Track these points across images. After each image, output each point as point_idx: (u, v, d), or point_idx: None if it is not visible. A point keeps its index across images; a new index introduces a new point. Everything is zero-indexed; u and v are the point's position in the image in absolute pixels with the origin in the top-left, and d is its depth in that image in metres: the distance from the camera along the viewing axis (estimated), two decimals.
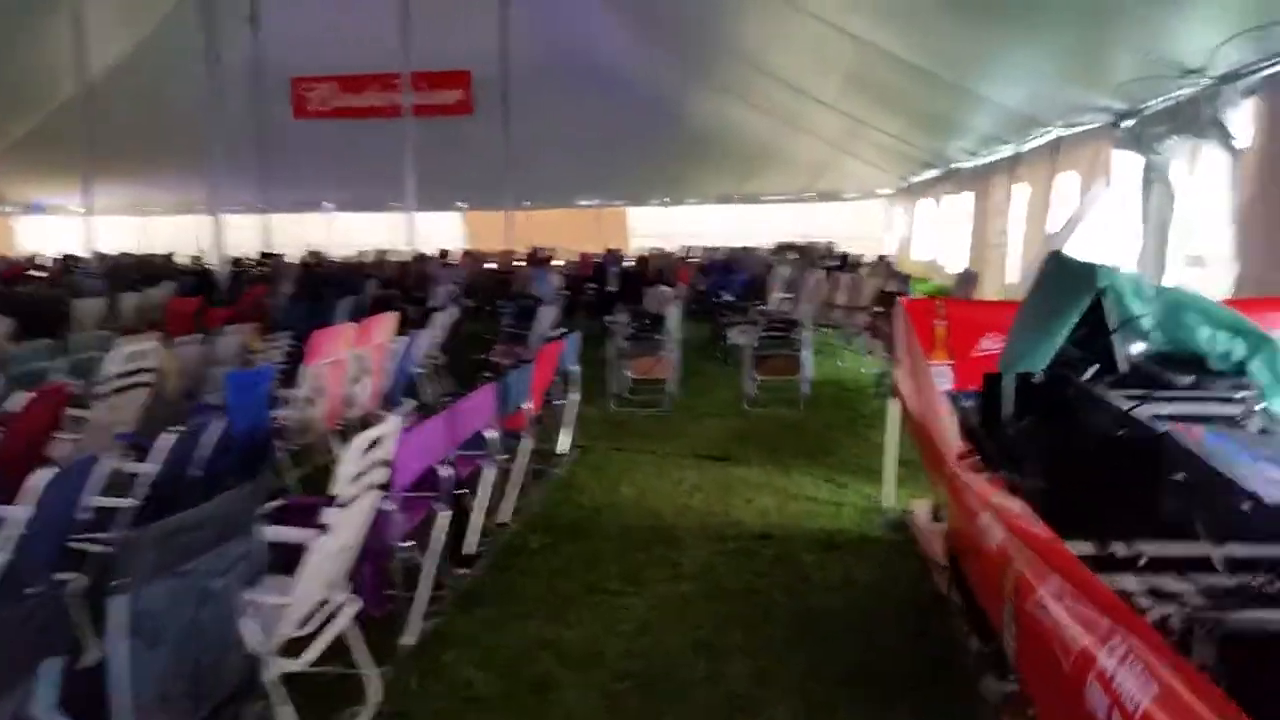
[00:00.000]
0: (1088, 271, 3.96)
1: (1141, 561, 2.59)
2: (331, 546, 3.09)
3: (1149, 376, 3.75)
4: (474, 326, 13.42)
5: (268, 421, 5.42)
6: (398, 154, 24.87)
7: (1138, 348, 3.93)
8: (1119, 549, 2.67)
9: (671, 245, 27.43)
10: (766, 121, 25.22)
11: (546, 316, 9.28)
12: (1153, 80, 10.98)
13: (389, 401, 7.14)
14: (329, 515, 3.01)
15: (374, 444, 3.28)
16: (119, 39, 24.17)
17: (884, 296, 11.40)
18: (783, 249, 24.01)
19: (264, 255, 24.43)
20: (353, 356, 6.32)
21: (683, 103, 26.18)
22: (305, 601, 3.05)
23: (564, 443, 7.17)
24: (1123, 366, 3.81)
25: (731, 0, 18.78)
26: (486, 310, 14.06)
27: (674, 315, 9.37)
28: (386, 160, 24.72)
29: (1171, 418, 3.31)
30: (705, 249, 25.15)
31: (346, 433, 6.59)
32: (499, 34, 23.04)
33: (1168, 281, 11.59)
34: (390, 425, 3.45)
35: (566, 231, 29.41)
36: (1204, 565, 2.55)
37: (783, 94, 21.92)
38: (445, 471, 4.40)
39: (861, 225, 30.05)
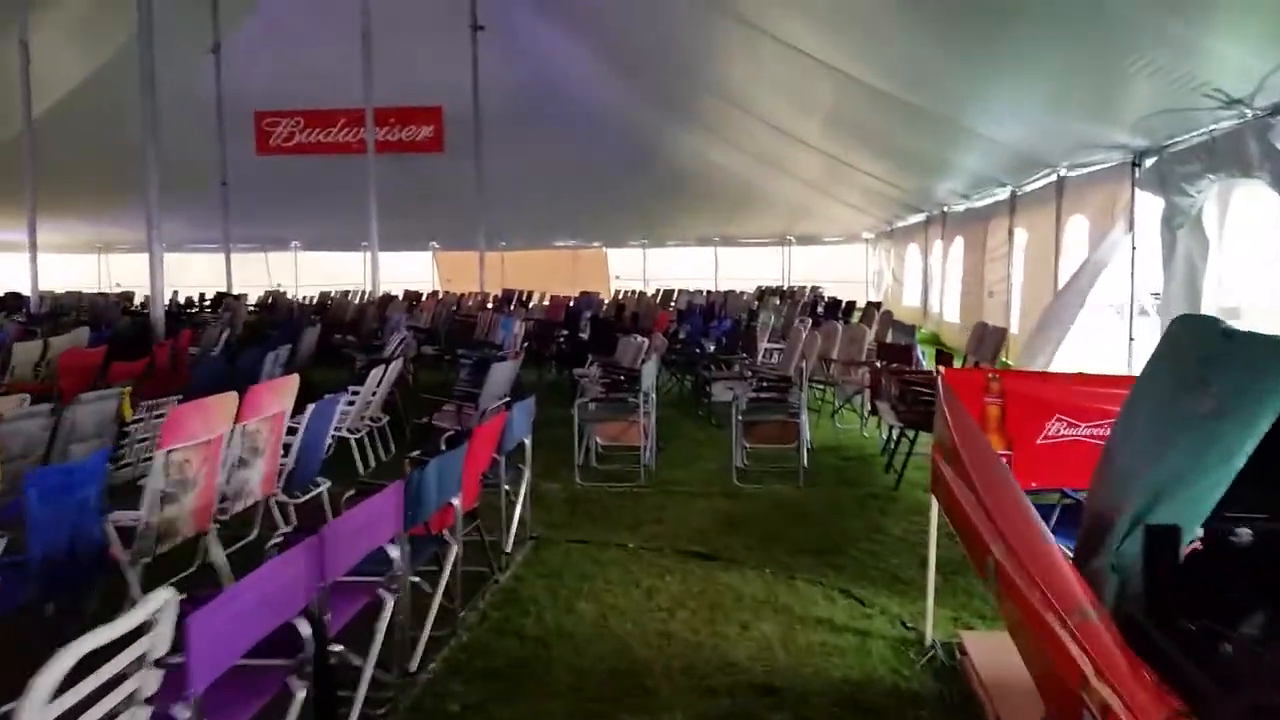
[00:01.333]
0: None
1: None
2: None
3: None
4: (435, 377, 12.01)
5: (96, 532, 3.92)
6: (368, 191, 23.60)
7: None
8: None
9: (651, 288, 26.19)
10: (747, 162, 23.99)
11: (501, 375, 7.80)
12: (1181, 113, 9.73)
13: (293, 485, 5.64)
14: None
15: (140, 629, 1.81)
16: (72, 67, 22.69)
17: (886, 349, 10.00)
18: (766, 294, 22.68)
19: (219, 295, 22.84)
20: (237, 433, 4.82)
21: (661, 142, 24.91)
22: None
23: (512, 537, 5.68)
24: None
25: (712, 36, 17.56)
26: (447, 359, 12.58)
27: (650, 370, 7.92)
28: (358, 197, 23.37)
29: None
30: (686, 292, 23.82)
31: (235, 527, 5.09)
32: (471, 69, 21.72)
33: None
34: (151, 606, 1.96)
35: (543, 273, 28.06)
36: None
37: (763, 134, 20.67)
38: (304, 629, 2.91)
39: (843, 269, 28.87)
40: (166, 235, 27.50)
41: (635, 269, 30.17)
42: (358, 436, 7.88)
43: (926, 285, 20.96)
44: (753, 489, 7.34)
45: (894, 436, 8.01)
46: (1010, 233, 15.30)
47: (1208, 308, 10.14)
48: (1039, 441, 4.33)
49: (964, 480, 3.71)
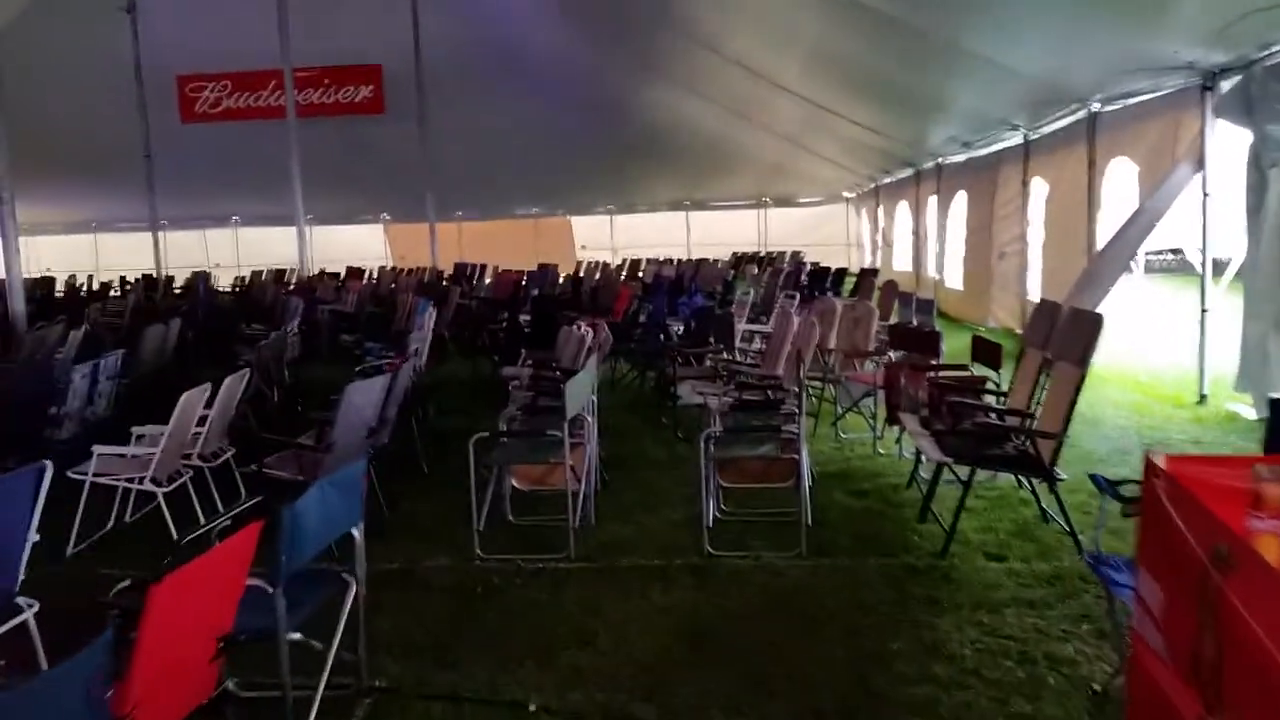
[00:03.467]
0: None
1: None
2: None
3: None
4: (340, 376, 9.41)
5: None
6: (311, 160, 20.83)
7: None
8: None
9: (621, 258, 23.60)
10: (719, 115, 21.33)
11: (363, 399, 5.23)
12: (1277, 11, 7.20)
13: None
14: None
15: None
16: None
17: (901, 335, 7.47)
18: (742, 262, 20.11)
19: (147, 279, 20.10)
20: None
21: (627, 98, 22.10)
22: None
23: (319, 697, 3.16)
24: None
25: None
26: (357, 355, 9.99)
27: (581, 386, 5.37)
28: (307, 168, 20.65)
29: None
30: (655, 263, 21.25)
31: None
32: (412, 23, 18.92)
33: None
34: None
35: (504, 245, 25.38)
36: None
37: (738, 80, 18.02)
38: None
39: (825, 232, 26.34)
40: (96, 213, 24.56)
41: (604, 238, 27.54)
42: (167, 490, 5.34)
43: (919, 248, 18.43)
44: (733, 561, 4.82)
45: (926, 462, 5.54)
46: (1025, 184, 12.79)
47: None
48: None
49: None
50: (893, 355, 7.47)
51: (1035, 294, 12.42)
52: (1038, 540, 4.95)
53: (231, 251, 26.73)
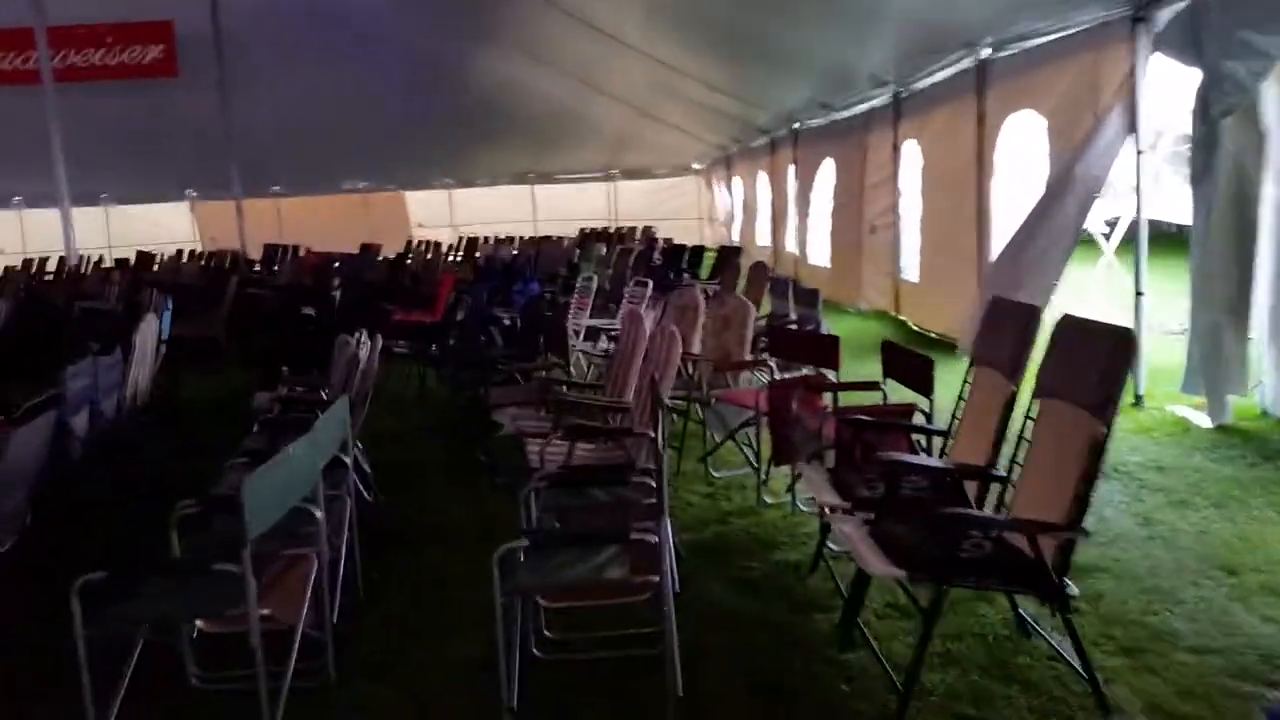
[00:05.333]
0: None
1: None
2: None
3: None
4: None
5: None
6: (103, 131, 17.61)
7: None
8: None
9: (460, 236, 21.09)
10: (565, 83, 19.06)
11: None
12: None
13: None
14: None
15: None
16: None
17: (788, 338, 5.52)
18: (589, 238, 17.97)
19: None
20: None
21: (464, 63, 19.47)
22: None
23: None
24: None
25: None
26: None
27: (327, 436, 3.20)
28: (100, 140, 17.40)
29: None
30: (500, 242, 18.96)
31: None
32: None
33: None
34: None
35: (332, 224, 22.47)
36: None
37: (582, 41, 15.83)
38: None
39: (676, 206, 24.49)
40: None
41: (443, 215, 24.92)
42: None
43: (777, 222, 16.72)
44: None
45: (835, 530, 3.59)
46: (896, 148, 11.13)
47: (1266, 241, 6.17)
48: None
49: None
50: (774, 364, 5.51)
51: (912, 273, 10.81)
52: (1032, 685, 3.07)
53: (15, 237, 22.88)
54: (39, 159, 17.60)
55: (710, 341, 6.05)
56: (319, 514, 3.30)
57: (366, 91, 19.69)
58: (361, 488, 4.74)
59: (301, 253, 16.21)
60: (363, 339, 5.14)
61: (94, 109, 17.18)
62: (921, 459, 3.71)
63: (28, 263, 17.55)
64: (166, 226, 23.45)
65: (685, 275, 11.05)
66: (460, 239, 19.88)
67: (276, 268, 14.72)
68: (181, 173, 22.14)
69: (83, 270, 14.30)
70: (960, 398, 3.86)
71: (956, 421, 3.84)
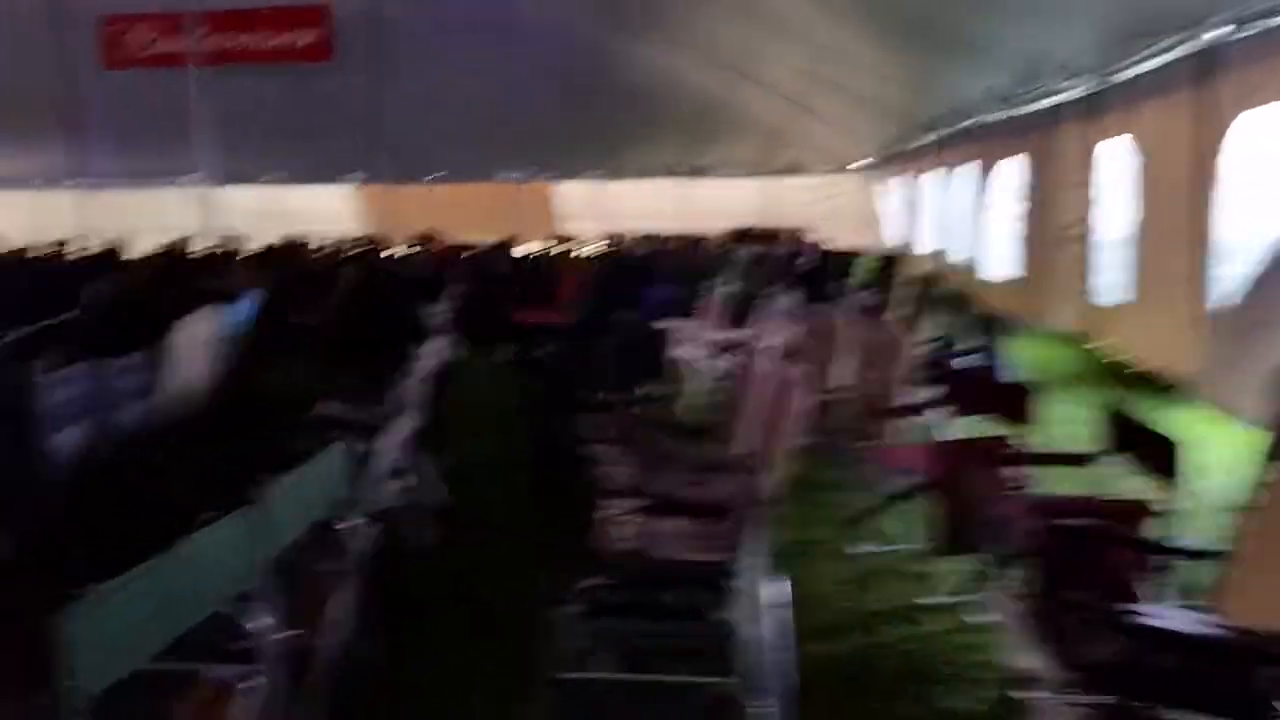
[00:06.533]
0: None
1: None
2: None
3: None
4: None
5: None
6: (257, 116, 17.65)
7: None
8: None
9: (607, 231, 20.18)
10: (716, 74, 17.98)
11: None
12: None
13: None
14: None
15: None
16: None
17: (962, 381, 4.20)
18: (740, 238, 16.68)
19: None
20: None
21: (617, 50, 18.69)
22: None
23: None
24: None
25: None
26: None
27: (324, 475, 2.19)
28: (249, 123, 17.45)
29: None
30: (638, 237, 17.97)
31: None
32: None
33: None
34: None
35: (481, 214, 22.00)
36: None
37: (735, 27, 14.70)
38: None
39: (830, 207, 22.87)
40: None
41: (591, 207, 24.04)
42: None
43: (944, 230, 15.04)
44: None
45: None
46: (1090, 149, 9.49)
47: None
48: None
49: None
50: (940, 417, 4.18)
51: (1108, 294, 9.16)
52: None
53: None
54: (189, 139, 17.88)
55: (857, 373, 4.77)
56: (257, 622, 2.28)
57: (519, 79, 19.13)
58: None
59: (436, 244, 15.60)
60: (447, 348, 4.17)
61: (246, 91, 17.23)
62: (1184, 621, 2.36)
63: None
64: (320, 212, 23.45)
65: (835, 285, 9.70)
66: (602, 235, 18.98)
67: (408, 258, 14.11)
68: (335, 159, 22.09)
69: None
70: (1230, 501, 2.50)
71: (1234, 542, 2.49)
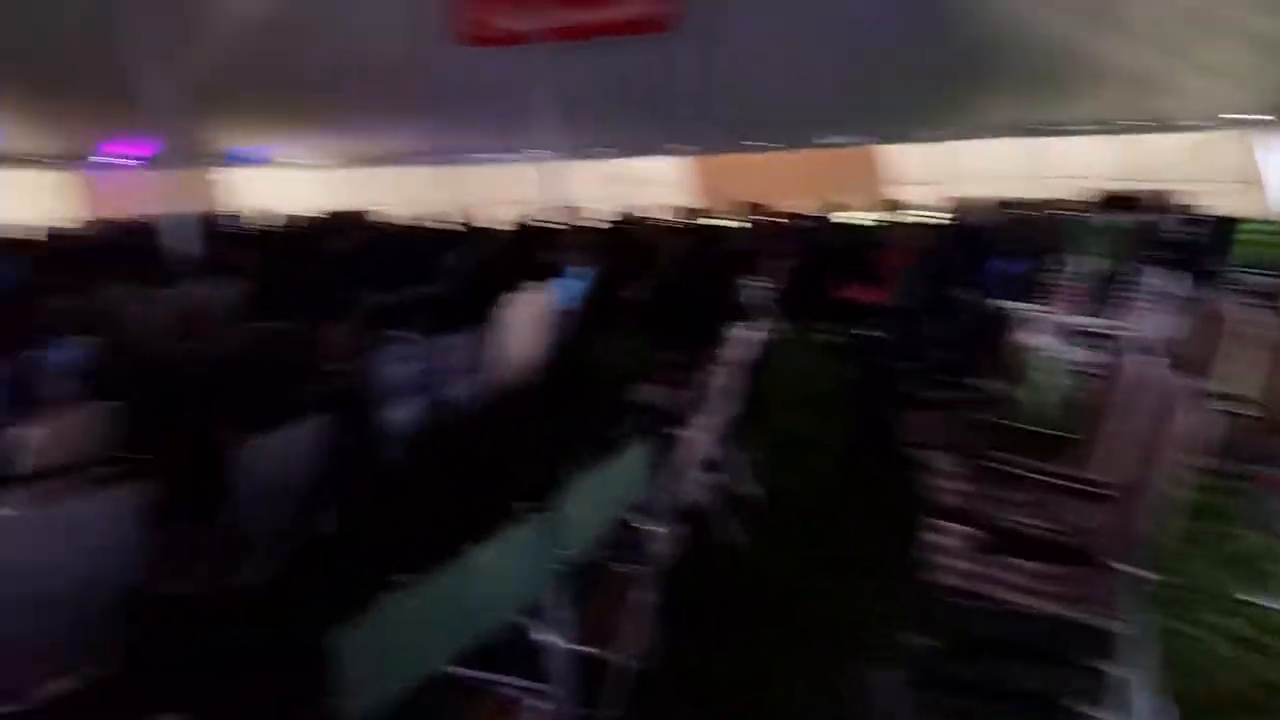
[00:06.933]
0: None
1: None
2: None
3: None
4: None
5: None
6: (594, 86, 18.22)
7: None
8: None
9: (940, 196, 18.94)
10: (1068, 16, 16.21)
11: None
12: None
13: None
14: None
15: None
16: None
17: None
18: (1103, 204, 14.86)
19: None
20: None
21: None
22: None
23: None
24: None
25: None
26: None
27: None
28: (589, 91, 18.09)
29: None
30: (983, 204, 16.66)
31: None
32: None
33: None
34: None
35: (800, 179, 21.51)
36: None
37: None
38: None
39: (1206, 166, 20.00)
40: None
41: (925, 171, 22.71)
42: None
43: None
44: None
45: None
46: None
47: None
48: None
49: None
50: None
51: None
52: None
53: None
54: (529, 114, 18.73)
55: (1258, 380, 3.88)
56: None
57: (852, 33, 18.38)
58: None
59: (762, 214, 15.34)
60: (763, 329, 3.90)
61: (585, 64, 17.76)
62: None
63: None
64: (654, 184, 23.94)
65: (1216, 261, 8.26)
66: (938, 201, 17.80)
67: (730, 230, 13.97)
68: (667, 129, 22.38)
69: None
70: None
71: None
